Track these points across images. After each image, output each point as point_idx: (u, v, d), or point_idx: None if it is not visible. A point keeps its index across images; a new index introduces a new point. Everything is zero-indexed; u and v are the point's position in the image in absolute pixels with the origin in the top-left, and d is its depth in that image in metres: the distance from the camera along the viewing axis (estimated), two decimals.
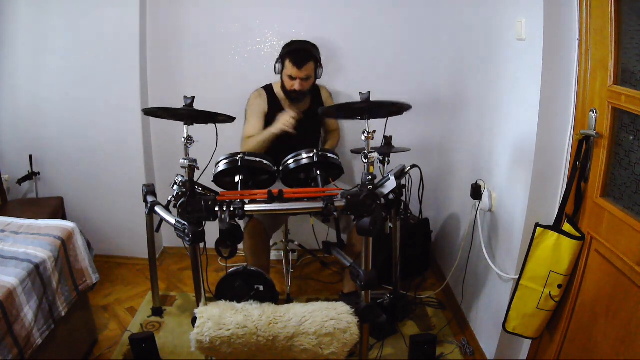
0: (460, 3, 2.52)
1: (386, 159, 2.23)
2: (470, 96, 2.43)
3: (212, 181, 1.97)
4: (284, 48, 2.39)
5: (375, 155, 1.61)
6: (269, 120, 2.44)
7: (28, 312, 1.60)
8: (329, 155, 1.97)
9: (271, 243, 2.81)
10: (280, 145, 2.33)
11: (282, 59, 2.37)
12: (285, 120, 2.28)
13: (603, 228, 1.46)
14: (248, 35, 2.73)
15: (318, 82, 2.53)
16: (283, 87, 2.43)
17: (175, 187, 1.82)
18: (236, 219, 1.62)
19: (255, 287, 1.81)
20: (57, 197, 2.82)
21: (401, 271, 2.34)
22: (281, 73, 2.40)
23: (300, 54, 2.34)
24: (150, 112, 1.80)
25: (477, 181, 2.14)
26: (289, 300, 2.51)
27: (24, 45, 2.68)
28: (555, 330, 1.70)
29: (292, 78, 2.35)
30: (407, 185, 2.13)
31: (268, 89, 2.49)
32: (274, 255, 2.99)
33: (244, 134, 2.45)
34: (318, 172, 1.91)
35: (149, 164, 2.90)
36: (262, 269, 1.86)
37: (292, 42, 2.40)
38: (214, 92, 2.70)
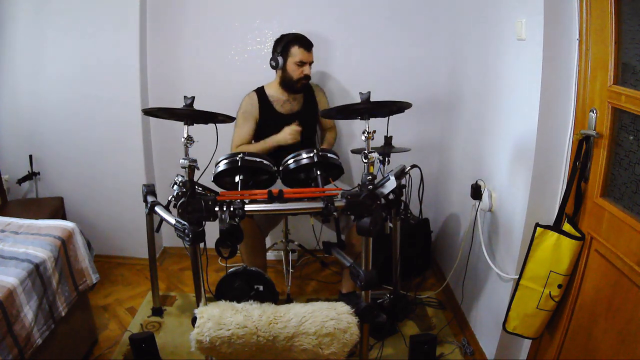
0: (460, 3, 2.52)
1: (386, 159, 2.23)
2: (470, 96, 2.43)
3: (212, 181, 1.97)
4: (281, 40, 2.38)
5: (375, 155, 1.62)
6: (260, 124, 2.44)
7: (28, 312, 1.60)
8: (329, 155, 1.97)
9: (271, 243, 2.82)
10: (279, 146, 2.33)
11: (285, 48, 2.35)
12: (293, 135, 2.31)
13: (603, 228, 1.46)
14: (248, 35, 2.73)
15: (310, 81, 2.53)
16: (286, 80, 2.40)
17: (175, 187, 1.82)
18: (236, 219, 1.62)
19: (255, 287, 1.81)
20: (57, 197, 2.82)
21: (401, 271, 2.34)
22: (283, 66, 2.37)
23: (305, 38, 2.37)
24: (150, 112, 1.80)
25: (477, 181, 2.14)
26: (289, 300, 2.51)
27: (24, 46, 2.68)
28: (555, 330, 1.70)
29: (301, 64, 2.35)
30: (407, 185, 2.13)
31: (260, 92, 2.48)
32: (274, 255, 2.99)
33: (234, 140, 2.44)
34: (318, 172, 1.91)
35: (149, 164, 2.90)
36: (259, 269, 1.86)
37: (284, 35, 2.41)
38: (214, 92, 2.70)
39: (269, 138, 2.36)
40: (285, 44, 2.36)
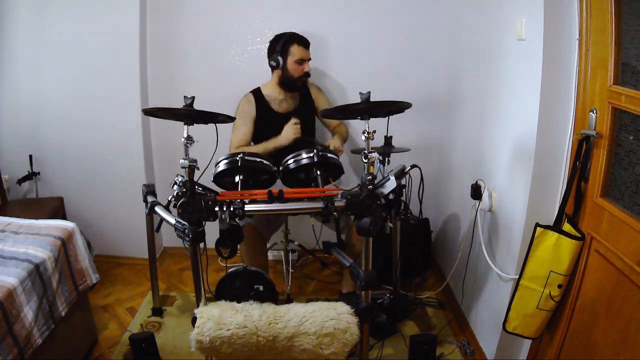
0: (461, 3, 2.52)
1: (386, 159, 2.23)
2: (470, 96, 2.43)
3: (212, 181, 1.96)
4: (277, 40, 2.38)
5: (375, 155, 1.62)
6: (258, 125, 2.44)
7: (28, 312, 1.60)
8: (329, 155, 1.97)
9: (271, 243, 2.82)
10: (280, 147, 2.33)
11: (284, 48, 2.35)
12: (294, 130, 2.30)
13: (603, 228, 1.46)
14: (248, 35, 2.73)
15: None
16: (287, 79, 2.39)
17: (175, 187, 1.82)
18: (236, 219, 1.62)
19: (255, 287, 1.81)
20: (57, 197, 2.82)
21: (401, 271, 2.34)
22: (283, 65, 2.37)
23: (301, 36, 2.39)
24: (150, 112, 1.80)
25: (477, 181, 2.14)
26: (289, 300, 2.51)
27: (24, 46, 2.68)
28: (555, 330, 1.70)
29: (301, 62, 2.36)
30: (407, 185, 2.13)
31: (256, 92, 2.48)
32: (274, 255, 2.99)
33: (233, 142, 2.43)
34: (318, 172, 1.91)
35: (149, 164, 2.90)
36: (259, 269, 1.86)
37: (279, 35, 2.40)
38: (214, 92, 2.70)
39: (270, 140, 2.36)
40: (283, 43, 2.35)
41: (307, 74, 2.41)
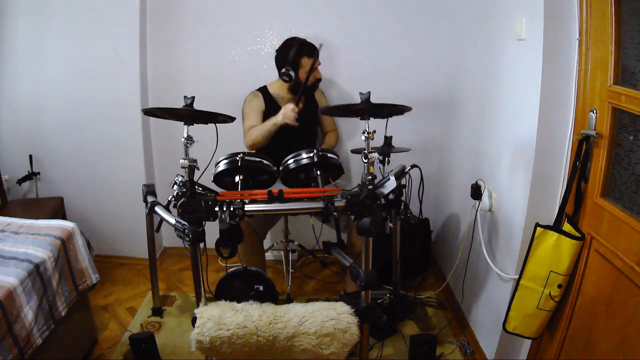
0: (460, 3, 2.52)
1: (386, 159, 2.23)
2: (470, 96, 2.43)
3: (212, 181, 1.97)
4: (285, 52, 2.36)
5: (375, 155, 1.62)
6: (265, 119, 2.44)
7: (28, 312, 1.60)
8: (329, 155, 1.97)
9: (271, 243, 2.82)
10: (279, 145, 2.33)
11: (294, 61, 2.34)
12: (288, 113, 2.26)
13: (603, 228, 1.46)
14: (248, 35, 2.73)
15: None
16: (300, 87, 2.38)
17: (175, 187, 1.82)
18: (236, 219, 1.62)
19: (255, 287, 1.81)
20: (57, 197, 2.82)
21: (401, 271, 2.34)
22: (296, 77, 2.37)
23: (308, 44, 2.39)
24: (150, 112, 1.80)
25: (477, 181, 2.14)
26: (289, 300, 2.51)
27: (24, 45, 2.68)
28: (555, 330, 1.70)
29: (312, 70, 2.36)
30: (407, 185, 2.13)
31: (263, 90, 2.49)
32: (274, 255, 2.99)
33: (245, 127, 2.43)
34: (318, 172, 1.91)
35: (149, 164, 2.90)
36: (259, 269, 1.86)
37: (286, 44, 2.39)
38: (213, 92, 2.70)
39: (269, 120, 2.33)
40: (292, 57, 2.34)
41: (319, 80, 2.45)
